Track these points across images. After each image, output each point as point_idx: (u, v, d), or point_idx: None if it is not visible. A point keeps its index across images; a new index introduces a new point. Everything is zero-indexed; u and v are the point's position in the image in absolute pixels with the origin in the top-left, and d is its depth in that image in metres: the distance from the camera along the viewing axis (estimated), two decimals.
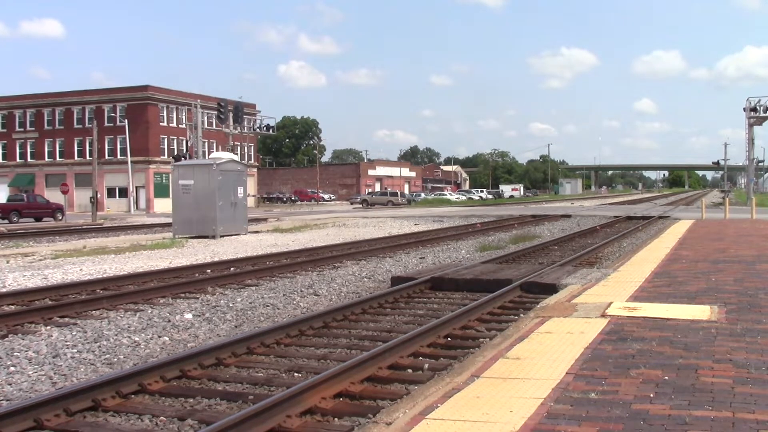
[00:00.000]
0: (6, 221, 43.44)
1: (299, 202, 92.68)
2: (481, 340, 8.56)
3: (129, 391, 6.52)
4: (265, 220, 43.11)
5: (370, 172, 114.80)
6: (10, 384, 7.18)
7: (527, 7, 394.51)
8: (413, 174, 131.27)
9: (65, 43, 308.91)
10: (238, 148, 71.49)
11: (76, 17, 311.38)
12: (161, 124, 75.09)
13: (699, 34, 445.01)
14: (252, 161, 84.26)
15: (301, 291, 13.13)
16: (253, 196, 76.88)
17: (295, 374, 7.30)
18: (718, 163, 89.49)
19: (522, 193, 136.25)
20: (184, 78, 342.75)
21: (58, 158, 77.86)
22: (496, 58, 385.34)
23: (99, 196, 54.49)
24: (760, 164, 75.58)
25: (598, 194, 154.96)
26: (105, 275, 15.33)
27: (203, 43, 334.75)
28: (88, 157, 66.47)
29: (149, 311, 11.13)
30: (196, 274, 15.33)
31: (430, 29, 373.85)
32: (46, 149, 78.40)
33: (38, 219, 46.40)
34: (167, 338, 9.29)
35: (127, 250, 21.37)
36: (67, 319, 10.52)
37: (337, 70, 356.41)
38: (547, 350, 6.65)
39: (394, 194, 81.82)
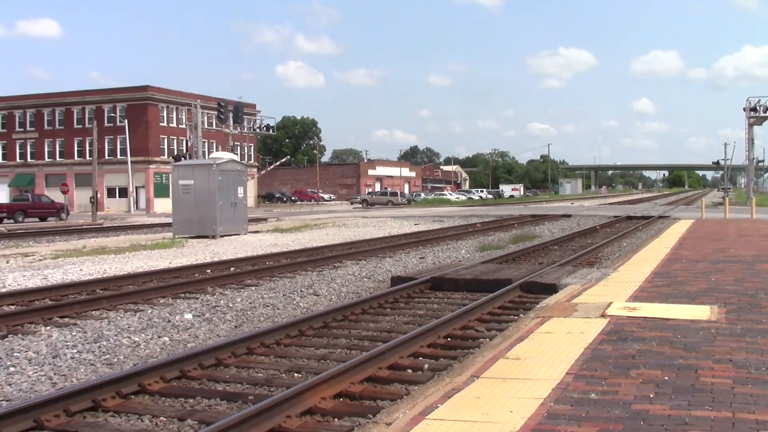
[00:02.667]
0: (11, 221, 43.91)
1: (299, 202, 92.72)
2: (481, 340, 8.56)
3: (129, 392, 6.51)
4: (265, 220, 43.12)
5: (370, 172, 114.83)
6: (10, 384, 7.18)
7: (524, 7, 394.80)
8: (413, 174, 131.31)
9: (62, 42, 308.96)
10: (238, 148, 71.48)
11: (72, 17, 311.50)
12: (161, 124, 75.11)
13: (697, 34, 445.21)
14: (252, 161, 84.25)
15: (301, 291, 13.13)
16: (256, 175, 76.53)
17: (295, 374, 7.30)
18: (718, 163, 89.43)
19: (522, 193, 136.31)
20: (182, 78, 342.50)
21: (58, 158, 77.88)
22: (494, 58, 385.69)
23: (99, 196, 54.53)
24: (759, 164, 75.52)
25: (598, 194, 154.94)
26: (105, 275, 15.32)
27: (200, 44, 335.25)
28: (88, 157, 66.49)
29: (149, 311, 11.12)
30: (196, 274, 15.32)
31: (427, 29, 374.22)
32: (46, 149, 78.42)
33: (43, 218, 46.71)
34: (167, 338, 9.29)
35: (127, 250, 21.37)
36: (67, 320, 10.52)
37: (334, 70, 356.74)
38: (547, 350, 6.64)
39: (394, 194, 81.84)
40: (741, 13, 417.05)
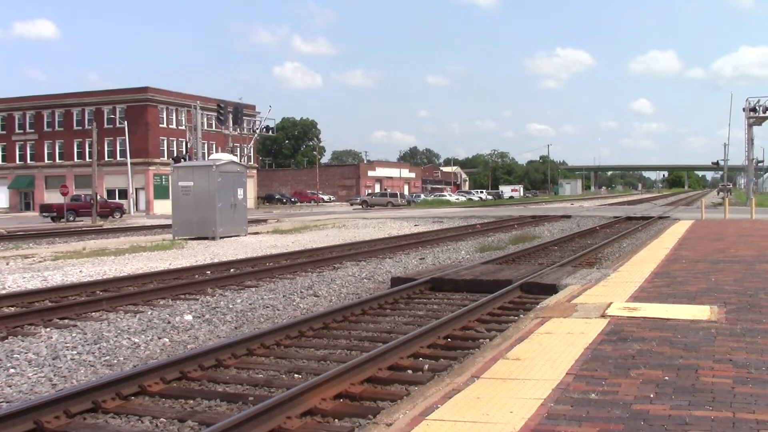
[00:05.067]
0: (63, 220, 47.12)
1: (299, 204, 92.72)
2: (481, 340, 8.56)
3: (129, 393, 6.51)
4: (264, 221, 43.12)
5: (370, 173, 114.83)
6: (10, 386, 7.18)
7: (521, 7, 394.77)
8: (413, 175, 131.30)
9: (59, 43, 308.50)
10: (238, 149, 71.43)
11: (68, 17, 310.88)
12: (161, 125, 75.13)
13: (694, 34, 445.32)
14: (252, 162, 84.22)
15: (301, 292, 13.12)
16: (252, 143, 75.82)
17: (295, 375, 7.30)
18: (717, 163, 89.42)
19: (522, 193, 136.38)
20: (180, 79, 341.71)
21: (57, 160, 77.90)
22: (491, 58, 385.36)
23: (99, 197, 54.62)
24: (759, 164, 75.52)
25: (598, 195, 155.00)
26: (105, 277, 15.32)
27: (198, 45, 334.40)
28: (87, 159, 66.55)
29: (149, 313, 11.12)
30: (196, 276, 15.32)
31: (423, 29, 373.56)
32: (46, 151, 78.45)
33: (104, 216, 49.70)
34: (167, 339, 9.29)
35: (126, 252, 21.36)
36: (66, 321, 10.52)
37: (332, 71, 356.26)
38: (547, 351, 6.64)
39: (394, 195, 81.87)
40: (737, 13, 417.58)
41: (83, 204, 50.81)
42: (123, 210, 55.08)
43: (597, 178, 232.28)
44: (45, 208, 51.32)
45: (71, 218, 48.03)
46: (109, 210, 51.94)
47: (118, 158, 73.33)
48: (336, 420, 5.84)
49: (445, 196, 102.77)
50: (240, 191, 28.38)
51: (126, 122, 72.57)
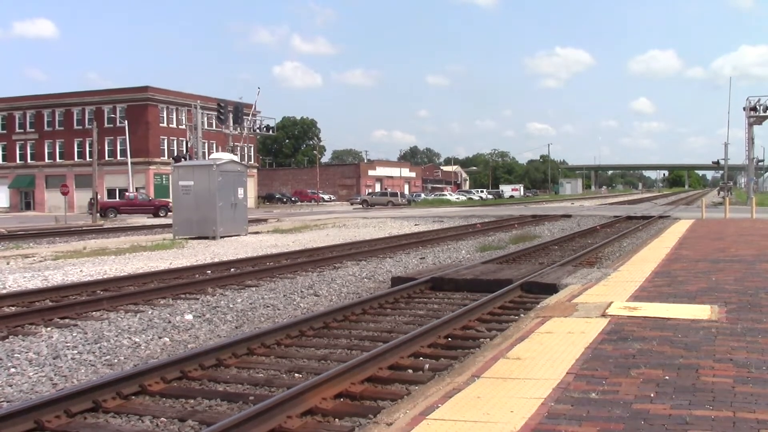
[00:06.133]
0: (105, 218, 49.37)
1: (299, 203, 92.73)
2: (481, 340, 8.56)
3: (130, 392, 6.51)
4: (265, 220, 43.12)
5: (370, 172, 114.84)
6: (10, 385, 7.18)
7: (520, 6, 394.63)
8: (413, 174, 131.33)
9: (59, 43, 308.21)
10: (238, 149, 71.38)
11: (68, 17, 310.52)
12: (161, 124, 75.14)
13: (694, 33, 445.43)
14: (252, 162, 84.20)
15: (302, 291, 13.13)
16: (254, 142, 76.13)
17: (296, 375, 7.30)
18: (718, 162, 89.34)
19: (522, 193, 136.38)
20: (180, 79, 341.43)
21: (58, 159, 77.92)
22: (491, 58, 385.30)
23: (99, 197, 54.74)
24: (759, 163, 75.46)
25: (598, 194, 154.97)
26: (105, 276, 15.32)
27: (198, 44, 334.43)
28: (88, 158, 66.56)
29: (150, 312, 11.13)
30: (197, 275, 15.32)
31: (423, 29, 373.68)
32: (46, 150, 78.47)
33: (155, 214, 52.31)
34: (168, 339, 9.29)
35: (127, 251, 21.37)
36: (67, 320, 10.52)
37: (332, 70, 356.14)
38: (548, 350, 6.64)
39: (394, 195, 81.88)
40: (737, 12, 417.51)
41: (125, 202, 55.16)
42: (169, 208, 56.39)
43: (597, 177, 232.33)
44: (90, 206, 53.47)
45: (112, 215, 51.26)
46: (153, 208, 54.59)
47: (119, 158, 73.35)
48: (336, 419, 5.84)
49: (446, 195, 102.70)
50: (240, 190, 28.39)
51: (126, 122, 72.58)
